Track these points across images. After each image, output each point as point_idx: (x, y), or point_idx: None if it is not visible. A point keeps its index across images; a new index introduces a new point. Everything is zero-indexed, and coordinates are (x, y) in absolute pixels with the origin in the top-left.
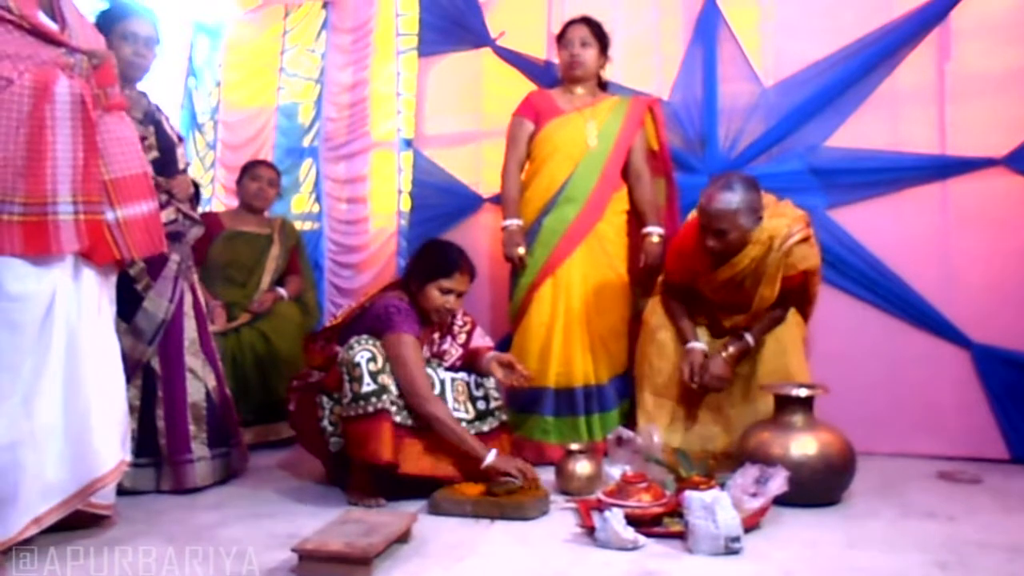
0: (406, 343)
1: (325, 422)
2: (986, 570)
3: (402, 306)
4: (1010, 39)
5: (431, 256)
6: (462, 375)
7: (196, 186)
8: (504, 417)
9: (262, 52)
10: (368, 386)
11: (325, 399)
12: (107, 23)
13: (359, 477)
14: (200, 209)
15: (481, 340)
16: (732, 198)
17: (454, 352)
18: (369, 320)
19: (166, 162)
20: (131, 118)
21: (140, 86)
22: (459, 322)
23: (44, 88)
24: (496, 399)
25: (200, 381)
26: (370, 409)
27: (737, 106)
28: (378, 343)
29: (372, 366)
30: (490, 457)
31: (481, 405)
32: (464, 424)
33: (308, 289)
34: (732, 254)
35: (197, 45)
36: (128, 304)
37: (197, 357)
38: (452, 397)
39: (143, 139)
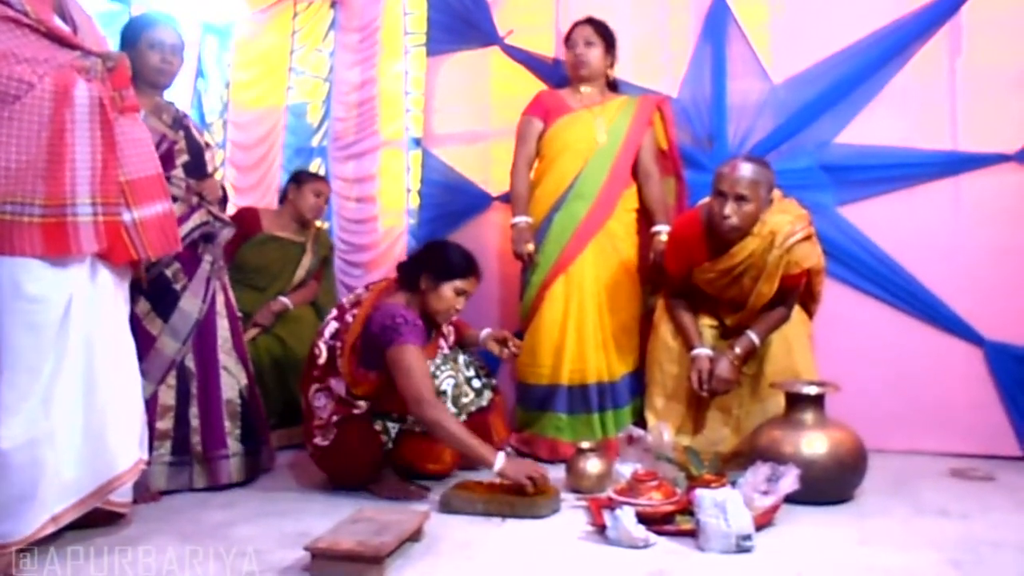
0: (411, 352)
1: (391, 445)
2: (1000, 568)
3: (408, 316)
4: (1022, 34)
5: (447, 256)
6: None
7: (224, 190)
8: (494, 381)
9: (271, 52)
10: (451, 409)
11: (388, 424)
12: (134, 33)
13: (392, 476)
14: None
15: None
16: (754, 167)
17: (452, 336)
18: (374, 329)
19: (196, 166)
20: (161, 123)
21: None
22: None
23: (64, 92)
24: (481, 367)
25: (234, 378)
26: None
27: (746, 103)
28: (452, 364)
29: (455, 391)
30: (499, 463)
31: (476, 383)
32: (471, 398)
33: (326, 293)
34: (739, 236)
35: (206, 45)
36: (165, 304)
37: (230, 355)
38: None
39: (174, 144)
